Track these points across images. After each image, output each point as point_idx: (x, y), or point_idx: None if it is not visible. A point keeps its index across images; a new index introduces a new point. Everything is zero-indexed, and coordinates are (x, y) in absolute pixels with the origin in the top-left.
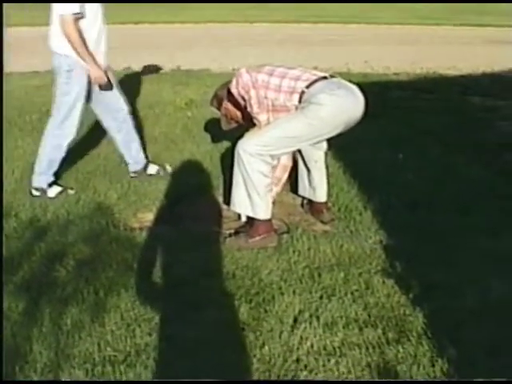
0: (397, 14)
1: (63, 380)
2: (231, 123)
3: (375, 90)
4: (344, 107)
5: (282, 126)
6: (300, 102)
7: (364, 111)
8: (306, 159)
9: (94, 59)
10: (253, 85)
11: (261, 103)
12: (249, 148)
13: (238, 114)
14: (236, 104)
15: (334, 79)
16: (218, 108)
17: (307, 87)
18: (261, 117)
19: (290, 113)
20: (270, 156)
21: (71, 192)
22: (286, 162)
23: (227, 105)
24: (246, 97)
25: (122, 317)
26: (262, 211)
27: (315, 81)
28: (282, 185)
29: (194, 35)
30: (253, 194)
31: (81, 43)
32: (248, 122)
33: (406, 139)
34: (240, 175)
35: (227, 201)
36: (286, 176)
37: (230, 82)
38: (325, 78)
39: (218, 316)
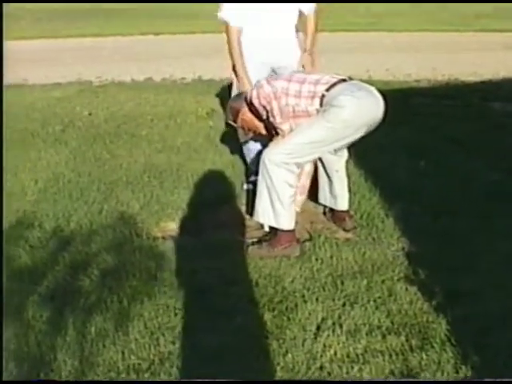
0: (415, 21)
1: (63, 380)
2: (249, 134)
3: (396, 97)
4: (365, 108)
5: (304, 132)
6: (321, 105)
7: (385, 115)
8: (327, 168)
9: None
10: (274, 95)
11: (283, 113)
12: (274, 157)
13: (257, 124)
14: (255, 114)
15: (354, 81)
16: (235, 121)
17: (327, 90)
18: (284, 126)
19: (312, 118)
20: (295, 164)
21: None
22: (310, 168)
23: (245, 116)
24: (268, 108)
25: (146, 325)
26: (286, 222)
27: (335, 83)
28: (307, 192)
29: (215, 45)
30: (276, 204)
31: None
32: (267, 132)
33: (427, 146)
34: (264, 185)
35: (250, 210)
36: (309, 183)
37: (242, 93)
38: (344, 80)
39: (242, 324)
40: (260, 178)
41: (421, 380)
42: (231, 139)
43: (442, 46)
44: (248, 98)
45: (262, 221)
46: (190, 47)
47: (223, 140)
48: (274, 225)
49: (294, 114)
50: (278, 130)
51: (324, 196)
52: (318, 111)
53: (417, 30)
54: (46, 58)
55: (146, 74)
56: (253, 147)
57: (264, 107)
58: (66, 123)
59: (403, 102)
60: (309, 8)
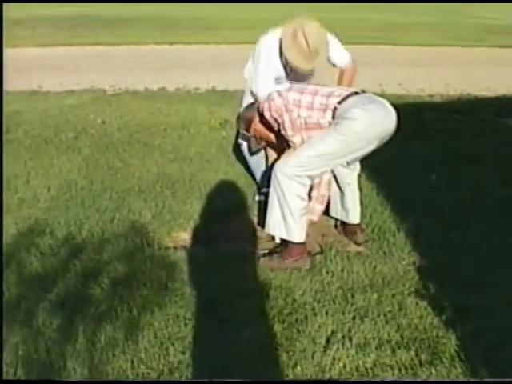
0: (428, 36)
1: (64, 380)
2: (261, 143)
3: (409, 112)
4: (377, 121)
5: (316, 144)
6: (333, 118)
7: (397, 129)
8: (340, 181)
9: None
10: (286, 108)
11: (294, 125)
12: (286, 170)
13: (269, 134)
14: (267, 125)
15: (366, 94)
16: (247, 130)
17: (339, 103)
18: (295, 139)
19: (323, 130)
20: (307, 177)
21: None
22: (329, 177)
23: (257, 126)
24: (280, 120)
25: (156, 335)
26: (297, 234)
27: (347, 96)
28: (326, 202)
29: (229, 56)
30: (288, 216)
31: None
32: (279, 142)
33: (440, 160)
34: (276, 197)
35: (261, 222)
36: (329, 193)
37: (255, 103)
38: (356, 93)
39: (251, 335)
40: (271, 190)
41: (421, 380)
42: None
43: (454, 61)
44: (260, 109)
45: (273, 233)
46: (205, 57)
47: (236, 151)
48: (285, 237)
49: (305, 126)
50: (290, 143)
51: (335, 209)
52: (330, 124)
53: (429, 44)
54: (61, 66)
55: (159, 83)
56: (261, 161)
57: (275, 119)
58: (79, 131)
59: (416, 117)
60: (343, 63)
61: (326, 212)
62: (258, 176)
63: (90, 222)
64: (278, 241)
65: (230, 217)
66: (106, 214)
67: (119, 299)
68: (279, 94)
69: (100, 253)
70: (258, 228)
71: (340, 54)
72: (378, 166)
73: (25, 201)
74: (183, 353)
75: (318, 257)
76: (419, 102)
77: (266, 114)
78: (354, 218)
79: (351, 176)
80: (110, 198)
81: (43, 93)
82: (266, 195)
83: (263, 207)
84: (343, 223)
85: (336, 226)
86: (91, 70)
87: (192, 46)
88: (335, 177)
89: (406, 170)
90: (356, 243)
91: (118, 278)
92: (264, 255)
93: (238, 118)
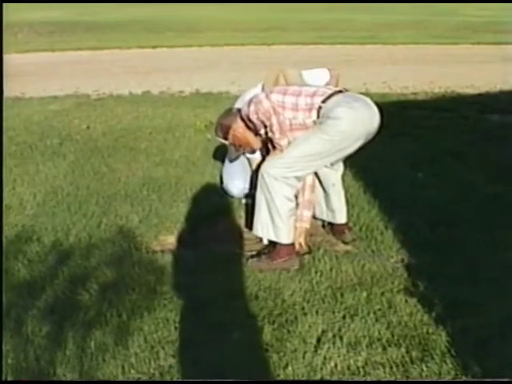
0: (412, 34)
1: (64, 380)
2: (239, 150)
3: (394, 110)
4: (362, 119)
5: (302, 145)
6: (318, 117)
7: (381, 127)
8: (324, 182)
9: None
10: (274, 111)
11: (282, 128)
12: (272, 171)
13: (250, 139)
14: (251, 129)
15: (349, 93)
16: (225, 137)
17: (323, 102)
18: (282, 141)
19: (308, 130)
20: (294, 178)
21: None
22: (312, 181)
23: (236, 132)
24: (267, 123)
25: (146, 339)
26: (285, 235)
27: (331, 95)
28: (312, 207)
29: (212, 58)
30: (276, 218)
31: None
32: (260, 146)
33: (425, 158)
34: (263, 199)
35: (249, 224)
36: (314, 196)
37: (231, 109)
38: (340, 91)
39: (242, 337)
40: (258, 192)
41: (421, 380)
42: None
43: (438, 59)
44: (244, 113)
45: (261, 235)
46: (188, 60)
47: (221, 153)
48: (274, 238)
49: (291, 127)
50: (276, 145)
51: (321, 211)
52: (315, 123)
53: (413, 42)
54: (44, 72)
55: (143, 87)
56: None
57: (262, 122)
58: (64, 136)
59: (401, 115)
60: (325, 80)
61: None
62: (236, 179)
63: (77, 228)
64: (265, 242)
65: (217, 219)
66: (93, 220)
67: (108, 304)
68: (266, 95)
69: (88, 258)
70: (246, 230)
71: (319, 75)
72: (364, 164)
73: (11, 208)
74: (174, 356)
75: (306, 257)
76: (403, 99)
77: (253, 117)
78: (341, 217)
79: (335, 176)
80: (97, 203)
81: (26, 99)
82: (253, 197)
83: (250, 209)
84: (330, 223)
85: (324, 226)
86: (74, 75)
87: (175, 49)
88: (319, 178)
89: (392, 168)
90: (344, 242)
91: (107, 283)
92: (252, 256)
93: (216, 125)
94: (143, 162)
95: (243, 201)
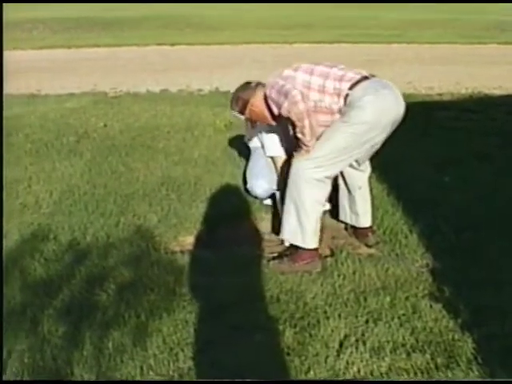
0: (439, 33)
1: (64, 380)
2: (255, 126)
3: (419, 110)
4: (388, 108)
5: (328, 142)
6: (345, 104)
7: (407, 126)
8: (350, 185)
9: None
10: (307, 114)
11: (313, 131)
12: (302, 173)
13: (267, 115)
14: (267, 107)
15: (376, 78)
16: (241, 112)
17: (351, 88)
18: (311, 143)
19: (333, 125)
20: (325, 178)
21: None
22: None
23: (254, 107)
24: (299, 124)
25: (165, 341)
26: (312, 241)
27: (358, 81)
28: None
29: (232, 56)
30: (304, 223)
31: None
32: (277, 125)
33: (451, 160)
34: (292, 203)
35: (274, 226)
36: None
37: (250, 83)
38: (366, 77)
39: (263, 340)
40: (287, 196)
41: (422, 380)
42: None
43: (465, 59)
44: (272, 99)
45: (288, 239)
46: (207, 58)
47: (242, 153)
48: (301, 244)
49: (315, 109)
50: (303, 146)
51: (344, 214)
52: (340, 110)
53: (440, 42)
54: (60, 69)
55: (161, 85)
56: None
57: (293, 123)
58: (81, 134)
59: (426, 116)
60: None
61: (336, 215)
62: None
63: (94, 227)
64: (287, 244)
65: (237, 220)
66: (111, 219)
67: (126, 305)
68: (302, 97)
69: (105, 258)
70: (266, 231)
71: None
72: (388, 165)
73: (27, 206)
74: (193, 358)
75: (328, 259)
76: (429, 100)
77: (283, 112)
78: (365, 221)
79: (362, 178)
80: (115, 203)
81: (42, 96)
82: (275, 199)
83: (275, 211)
84: (353, 226)
85: (346, 228)
86: (91, 72)
87: (194, 46)
88: (345, 180)
89: (418, 170)
90: (367, 245)
91: (125, 284)
92: (273, 258)
93: (233, 99)
94: (161, 161)
95: (265, 202)
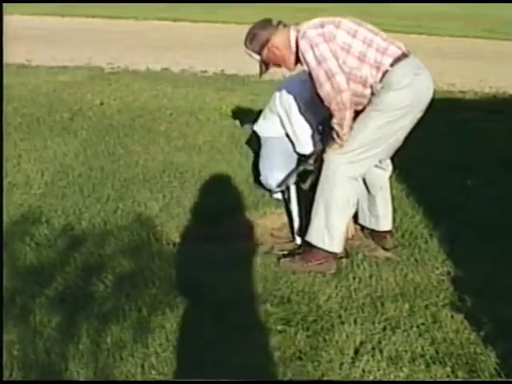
0: (461, 26)
1: (64, 380)
2: (266, 71)
3: (440, 109)
4: (425, 90)
5: (363, 134)
6: (381, 80)
7: (428, 126)
8: (370, 185)
9: None
10: (350, 105)
11: (351, 123)
12: (337, 170)
13: (287, 58)
14: (289, 51)
15: (412, 57)
16: (259, 52)
17: (392, 65)
18: (346, 136)
19: (364, 89)
20: (359, 175)
21: None
22: None
23: (274, 48)
24: (338, 115)
25: (168, 338)
26: (339, 245)
27: (399, 58)
28: None
29: (239, 36)
30: (333, 224)
31: None
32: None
33: (473, 163)
34: (322, 202)
35: (284, 222)
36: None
37: (271, 20)
38: (405, 54)
39: (273, 343)
40: (318, 194)
41: (424, 380)
42: (258, 141)
43: (489, 56)
44: (313, 82)
45: (315, 243)
46: (211, 38)
47: (250, 141)
48: (328, 248)
49: (349, 75)
50: (337, 138)
51: (363, 217)
52: (372, 86)
53: (462, 36)
54: (52, 38)
55: (162, 63)
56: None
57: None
58: (75, 111)
59: (448, 115)
60: None
61: (355, 217)
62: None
63: (90, 212)
64: (298, 242)
65: (245, 213)
66: (109, 204)
67: (126, 297)
68: (348, 83)
69: (102, 246)
70: (276, 227)
71: None
72: (408, 165)
73: (16, 185)
74: (197, 359)
75: (343, 261)
76: (450, 98)
77: (322, 94)
78: (385, 224)
79: (384, 177)
80: (112, 187)
81: (33, 67)
82: (283, 192)
83: (285, 205)
84: (373, 229)
85: (362, 229)
86: (85, 45)
87: (197, 24)
88: (365, 181)
89: (439, 172)
90: (384, 248)
91: (123, 275)
92: (284, 256)
93: (248, 35)
94: (163, 146)
95: (274, 195)
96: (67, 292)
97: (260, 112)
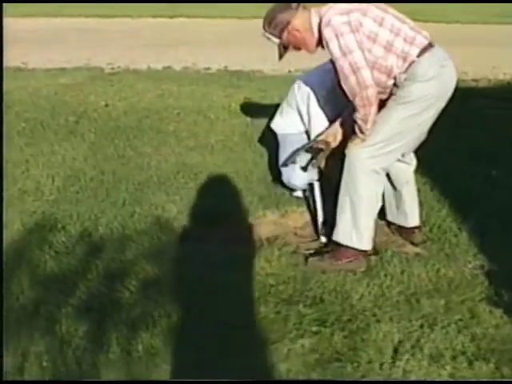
0: (471, 10)
1: (64, 380)
2: (287, 52)
3: (454, 98)
4: (449, 82)
5: (385, 126)
6: (405, 71)
7: (444, 115)
8: (395, 181)
9: None
10: (375, 100)
11: (373, 121)
12: (361, 164)
13: (308, 41)
14: (311, 35)
15: (437, 47)
16: (279, 35)
17: (418, 56)
18: (368, 132)
19: (388, 79)
20: (382, 170)
21: None
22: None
23: (294, 31)
24: (362, 111)
25: (198, 343)
26: (368, 242)
27: (426, 48)
28: None
29: (239, 32)
30: (361, 221)
31: None
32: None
33: (495, 151)
34: (347, 199)
35: (307, 221)
36: None
37: (290, 4)
38: (431, 44)
39: (309, 344)
40: (343, 191)
41: (421, 380)
42: (272, 139)
43: (502, 41)
44: (336, 72)
45: (342, 241)
46: (210, 34)
47: (263, 139)
48: (357, 246)
49: (373, 65)
50: (359, 133)
51: (391, 213)
52: (397, 77)
53: (471, 22)
54: (47, 40)
55: (163, 62)
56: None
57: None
58: (80, 114)
59: (462, 104)
60: None
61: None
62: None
63: (106, 217)
64: (323, 240)
65: (267, 213)
66: (124, 209)
67: (154, 303)
68: (373, 78)
69: (123, 251)
70: (298, 226)
71: None
72: (430, 157)
73: (26, 192)
74: (232, 364)
75: (373, 258)
76: (463, 86)
77: (346, 88)
78: (413, 220)
79: (408, 172)
80: (127, 191)
81: (30, 70)
82: (304, 190)
83: (307, 203)
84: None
85: (389, 225)
86: (81, 45)
87: (195, 19)
88: (389, 177)
89: (459, 162)
90: (413, 243)
91: (148, 280)
92: (312, 255)
93: (267, 18)
94: (174, 146)
95: (294, 194)
96: (92, 300)
97: (269, 108)
